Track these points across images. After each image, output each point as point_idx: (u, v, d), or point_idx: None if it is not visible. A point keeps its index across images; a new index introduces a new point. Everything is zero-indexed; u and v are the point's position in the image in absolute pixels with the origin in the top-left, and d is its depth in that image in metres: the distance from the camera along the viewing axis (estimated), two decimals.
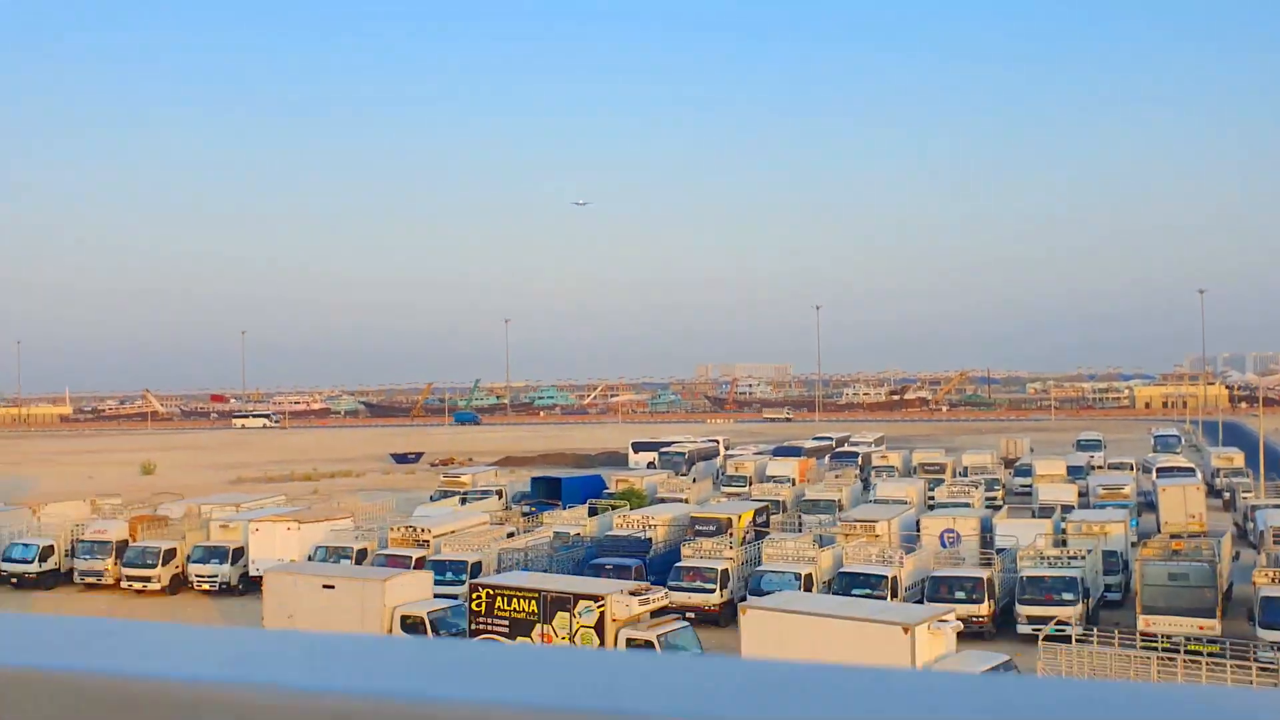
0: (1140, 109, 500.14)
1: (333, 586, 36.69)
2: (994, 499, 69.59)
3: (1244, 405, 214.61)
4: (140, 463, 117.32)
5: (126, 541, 51.95)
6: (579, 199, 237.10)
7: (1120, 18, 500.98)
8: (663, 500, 66.54)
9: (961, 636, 31.50)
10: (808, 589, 40.66)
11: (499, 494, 71.20)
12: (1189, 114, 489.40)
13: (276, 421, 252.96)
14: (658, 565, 45.21)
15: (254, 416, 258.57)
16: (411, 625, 35.07)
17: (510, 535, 50.88)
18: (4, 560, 52.01)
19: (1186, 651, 34.15)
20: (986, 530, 49.85)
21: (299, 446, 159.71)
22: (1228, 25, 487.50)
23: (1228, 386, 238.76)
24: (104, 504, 63.95)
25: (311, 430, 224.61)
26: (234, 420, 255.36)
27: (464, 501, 68.16)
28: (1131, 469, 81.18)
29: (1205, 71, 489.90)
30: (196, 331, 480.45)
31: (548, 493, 71.23)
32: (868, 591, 39.50)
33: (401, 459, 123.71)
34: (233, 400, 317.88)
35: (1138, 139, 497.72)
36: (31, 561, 51.56)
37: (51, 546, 52.25)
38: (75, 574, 51.82)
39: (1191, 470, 73.34)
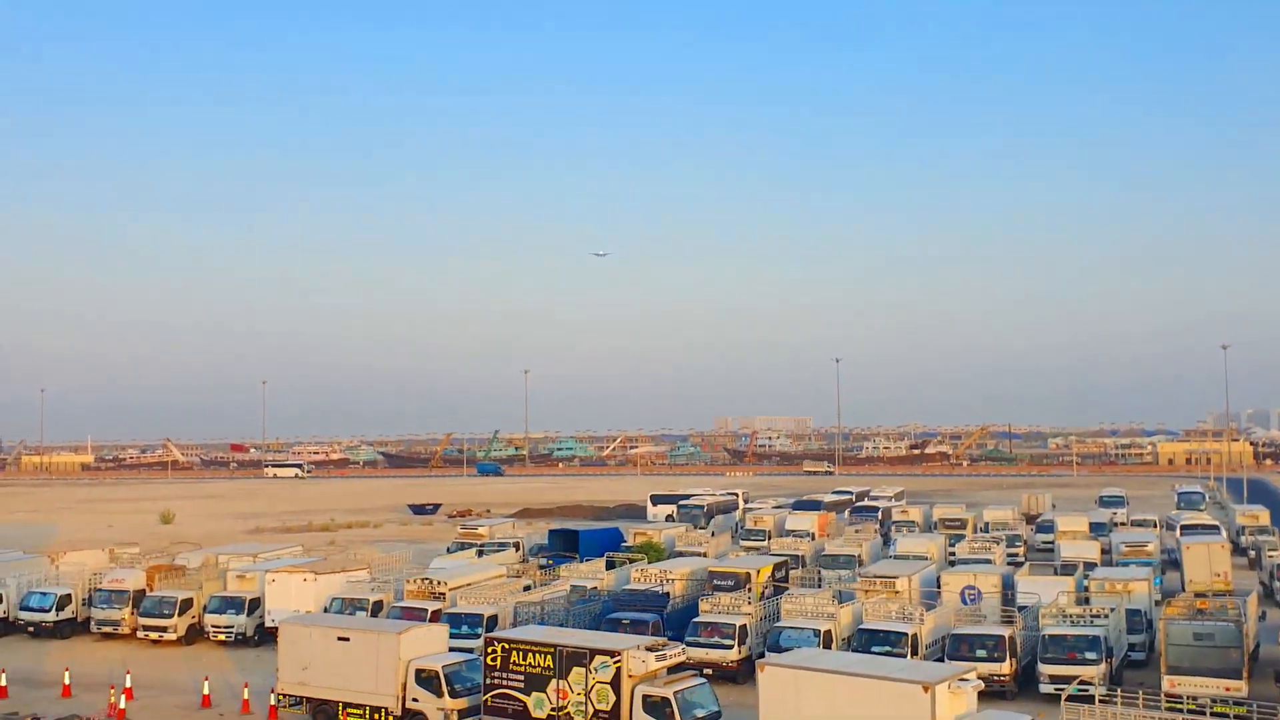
0: (1163, 166, 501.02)
1: (348, 639, 36.42)
2: (1016, 555, 68.84)
3: (1268, 462, 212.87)
4: (160, 512, 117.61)
5: (144, 591, 51.87)
6: (599, 249, 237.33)
7: (1145, 81, 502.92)
8: (681, 554, 66.11)
9: (983, 696, 30.98)
10: (827, 646, 40.18)
11: (516, 546, 70.84)
12: (1212, 172, 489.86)
13: (309, 472, 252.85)
14: (675, 620, 44.77)
15: (286, 466, 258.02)
16: (426, 679, 34.76)
17: (527, 588, 50.53)
18: (21, 609, 51.98)
19: (1212, 713, 33.52)
20: (1008, 587, 49.26)
21: (317, 496, 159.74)
22: (1253, 87, 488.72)
23: (1252, 443, 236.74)
24: (122, 553, 63.97)
25: (330, 480, 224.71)
26: (266, 470, 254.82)
27: (481, 554, 67.90)
28: (1155, 526, 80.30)
29: (1228, 132, 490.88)
30: (217, 381, 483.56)
31: (565, 545, 70.86)
32: (888, 649, 38.99)
33: (419, 510, 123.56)
34: (252, 450, 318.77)
35: (1161, 194, 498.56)
36: (49, 610, 51.50)
37: (69, 595, 52.20)
38: (92, 623, 51.67)
39: (1216, 528, 72.48)
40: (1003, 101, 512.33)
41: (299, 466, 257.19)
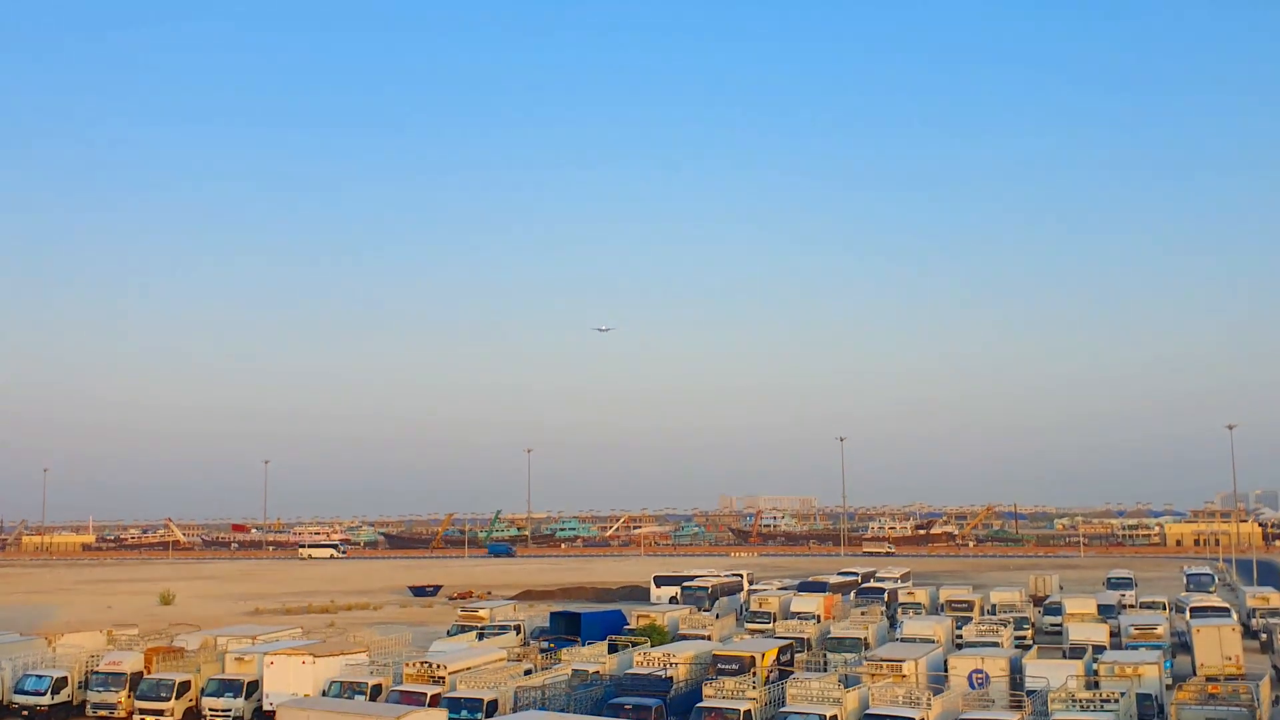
0: (1166, 241, 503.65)
1: None
2: (1023, 638, 68.19)
3: (1278, 544, 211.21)
4: (159, 592, 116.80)
5: (141, 673, 51.30)
6: (602, 325, 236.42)
7: (1144, 161, 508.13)
8: (685, 637, 65.37)
9: None
10: None
11: (517, 629, 70.17)
12: (1214, 248, 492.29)
13: (344, 552, 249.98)
14: (679, 705, 44.17)
15: (322, 546, 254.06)
16: None
17: (528, 672, 49.94)
18: (16, 692, 51.31)
19: None
20: (1016, 671, 48.67)
21: (317, 578, 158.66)
22: (1249, 162, 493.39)
23: (1260, 524, 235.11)
24: (120, 635, 63.40)
25: (331, 561, 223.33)
26: (301, 550, 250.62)
27: (481, 637, 67.16)
28: (1164, 608, 79.48)
29: (1229, 208, 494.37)
30: (219, 461, 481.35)
31: (567, 628, 70.23)
32: None
33: (419, 592, 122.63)
34: (254, 530, 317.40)
35: (1165, 272, 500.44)
36: (44, 694, 50.82)
37: (65, 678, 51.59)
38: (88, 706, 51.00)
39: (1227, 610, 71.75)
40: (1007, 179, 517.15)
41: (334, 546, 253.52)
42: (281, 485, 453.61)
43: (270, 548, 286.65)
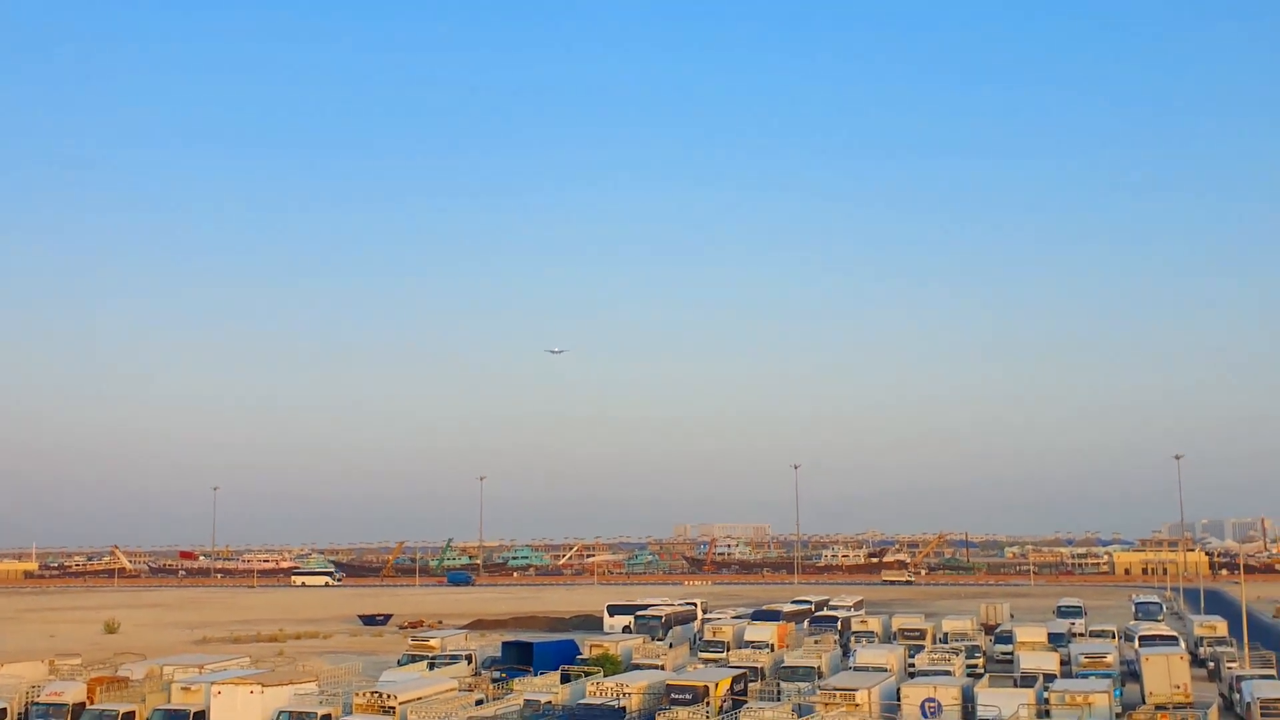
0: (1115, 277, 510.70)
1: None
2: (975, 667, 68.42)
3: (1224, 572, 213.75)
4: (104, 621, 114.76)
5: (84, 704, 50.12)
6: (555, 347, 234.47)
7: (1102, 193, 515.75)
8: (638, 666, 65.05)
9: None
10: None
11: (468, 659, 69.52)
12: (1162, 284, 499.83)
13: (339, 580, 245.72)
14: None
15: (316, 574, 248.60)
16: None
17: (479, 703, 49.46)
18: None
19: None
20: (968, 700, 48.76)
21: (266, 606, 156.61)
22: (1201, 209, 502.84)
23: (1207, 553, 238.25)
24: (62, 664, 62.08)
25: (279, 589, 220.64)
26: (293, 578, 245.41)
27: (432, 666, 66.40)
28: (1114, 637, 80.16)
29: (1176, 247, 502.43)
30: (167, 487, 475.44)
31: (519, 658, 69.70)
32: None
33: (370, 620, 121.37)
34: (202, 557, 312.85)
35: (1114, 306, 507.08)
36: None
37: (3, 710, 50.41)
38: None
39: (1175, 639, 72.44)
40: (964, 219, 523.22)
41: (330, 574, 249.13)
42: (230, 512, 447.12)
43: (219, 575, 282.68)
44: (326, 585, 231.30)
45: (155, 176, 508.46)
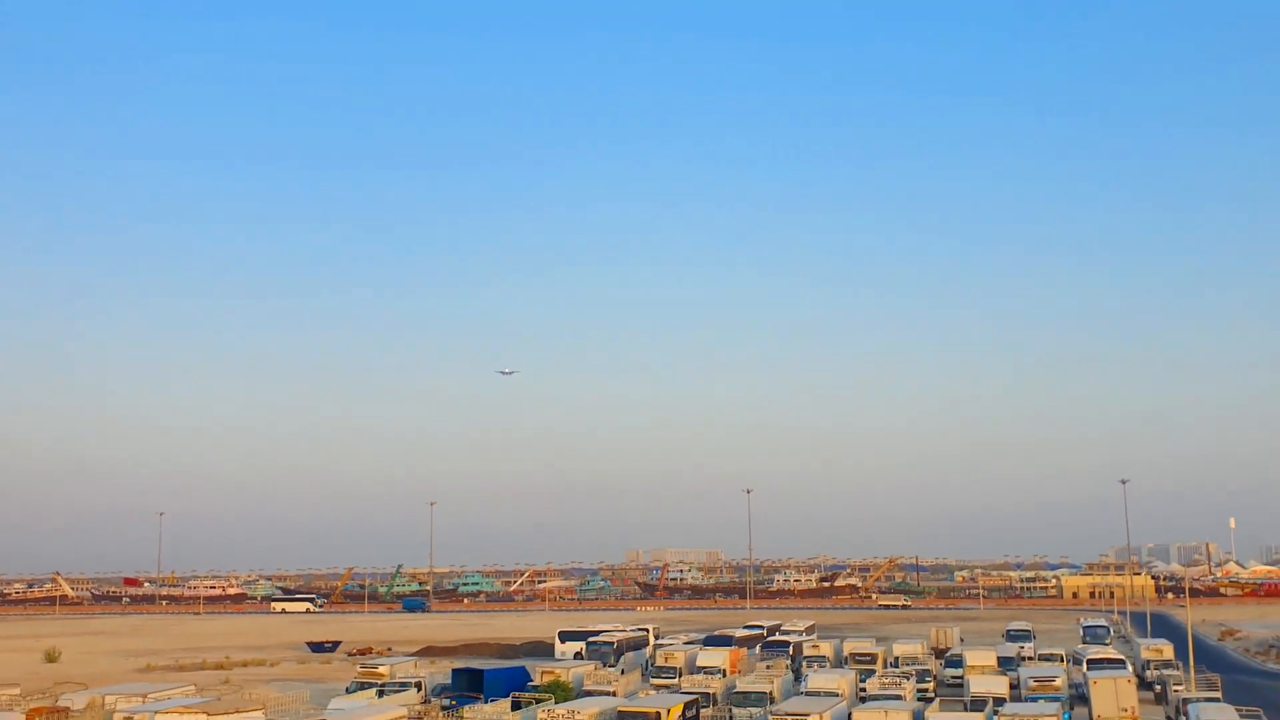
0: (1062, 302, 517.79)
1: None
2: (925, 691, 68.78)
3: (1170, 596, 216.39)
4: (45, 649, 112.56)
5: None
6: (505, 368, 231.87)
7: (1049, 231, 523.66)
8: (589, 693, 64.71)
9: None
10: None
11: (418, 686, 68.92)
12: (1108, 309, 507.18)
13: (320, 607, 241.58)
14: None
15: (296, 599, 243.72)
16: None
17: None
18: None
19: None
20: None
21: (212, 633, 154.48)
22: (1148, 237, 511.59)
23: (1154, 577, 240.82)
24: (1, 694, 60.81)
25: (226, 616, 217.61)
26: (273, 605, 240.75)
27: (381, 694, 65.78)
28: (1062, 660, 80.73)
29: (1120, 274, 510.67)
30: (111, 512, 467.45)
31: (469, 685, 69.23)
32: None
33: (318, 648, 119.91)
34: (146, 584, 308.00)
35: (1061, 330, 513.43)
36: None
37: None
38: None
39: (1122, 662, 73.12)
40: (910, 244, 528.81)
41: (310, 600, 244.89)
42: (176, 537, 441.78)
43: (164, 602, 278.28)
44: (307, 611, 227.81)
45: (95, 192, 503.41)
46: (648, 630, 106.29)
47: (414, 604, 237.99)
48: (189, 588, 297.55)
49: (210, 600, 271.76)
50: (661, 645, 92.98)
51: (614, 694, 63.79)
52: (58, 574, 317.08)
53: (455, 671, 73.86)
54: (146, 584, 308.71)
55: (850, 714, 50.78)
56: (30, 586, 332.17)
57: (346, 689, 70.24)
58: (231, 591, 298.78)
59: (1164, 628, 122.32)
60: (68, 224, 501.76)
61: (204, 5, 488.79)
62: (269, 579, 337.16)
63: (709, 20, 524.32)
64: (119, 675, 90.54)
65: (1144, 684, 72.93)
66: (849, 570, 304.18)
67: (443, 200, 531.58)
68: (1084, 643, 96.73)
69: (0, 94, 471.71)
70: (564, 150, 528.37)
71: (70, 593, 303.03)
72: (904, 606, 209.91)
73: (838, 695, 58.27)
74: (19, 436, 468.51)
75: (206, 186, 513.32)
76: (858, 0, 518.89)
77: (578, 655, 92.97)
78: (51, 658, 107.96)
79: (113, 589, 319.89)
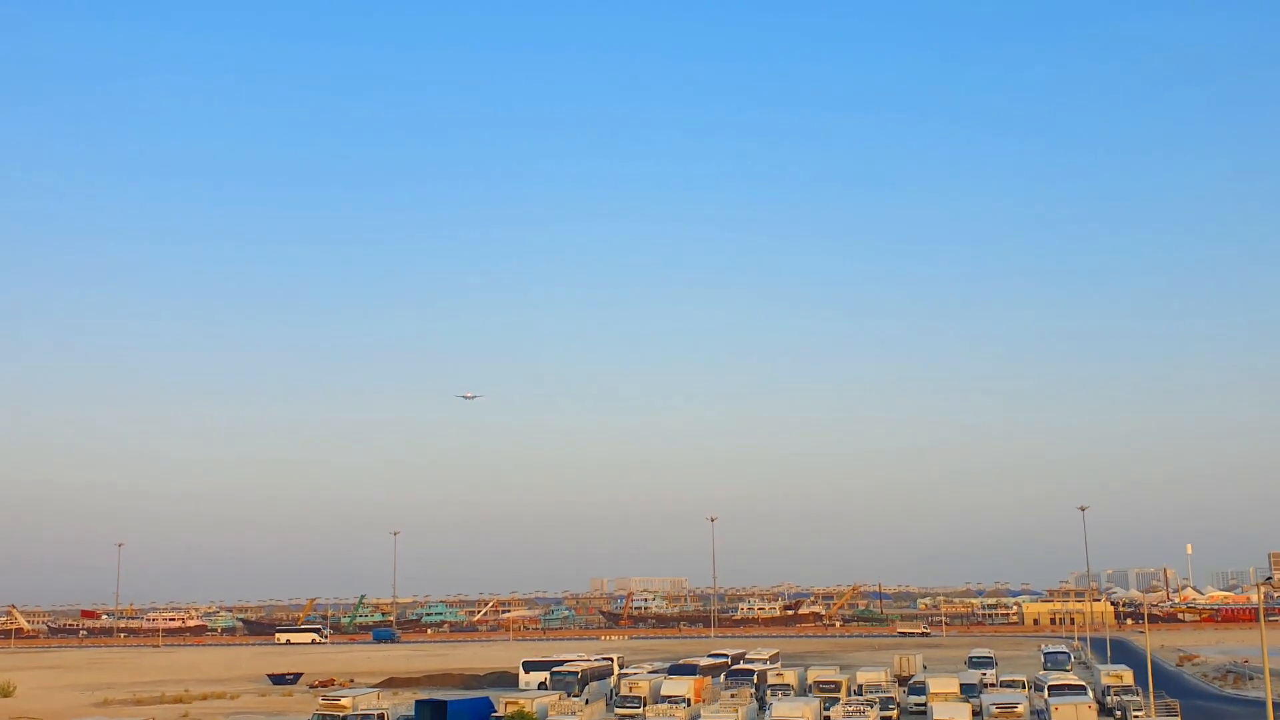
0: (1015, 326, 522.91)
1: None
2: (889, 718, 69.07)
3: (1130, 622, 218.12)
4: None
5: None
6: (468, 392, 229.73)
7: (1008, 259, 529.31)
8: None
9: None
10: None
11: (381, 718, 68.44)
12: (1065, 334, 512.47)
13: (325, 638, 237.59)
14: None
15: (301, 630, 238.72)
16: None
17: None
18: None
19: None
20: None
21: (170, 666, 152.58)
22: (1105, 259, 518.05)
23: (1113, 603, 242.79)
24: None
25: (185, 649, 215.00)
26: (278, 635, 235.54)
27: None
28: (1024, 687, 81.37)
29: (1081, 296, 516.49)
30: (67, 543, 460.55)
31: (433, 717, 69.09)
32: None
33: (279, 680, 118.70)
34: (104, 616, 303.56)
35: (1020, 359, 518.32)
36: None
37: None
38: None
39: (1083, 688, 73.82)
40: (869, 267, 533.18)
41: (316, 630, 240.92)
42: (135, 569, 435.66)
43: (122, 634, 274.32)
44: (313, 642, 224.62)
45: (56, 210, 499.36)
46: (612, 660, 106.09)
47: (384, 634, 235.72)
48: (148, 620, 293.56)
49: (170, 633, 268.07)
50: (626, 675, 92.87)
51: None
52: (13, 606, 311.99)
53: (419, 703, 73.50)
54: (105, 616, 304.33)
55: None
56: None
57: None
58: (191, 623, 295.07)
59: (1123, 653, 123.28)
60: (29, 243, 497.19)
61: (175, 22, 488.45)
62: (229, 610, 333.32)
63: (687, 40, 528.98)
64: (76, 710, 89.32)
65: (1104, 710, 73.56)
66: (813, 598, 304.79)
67: (407, 224, 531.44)
68: (1045, 669, 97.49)
69: None
70: (527, 174, 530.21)
71: (26, 626, 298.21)
72: (923, 634, 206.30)
73: None
74: None
75: (166, 207, 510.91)
76: (848, 19, 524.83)
77: (542, 685, 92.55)
78: (6, 692, 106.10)
79: (70, 621, 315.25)
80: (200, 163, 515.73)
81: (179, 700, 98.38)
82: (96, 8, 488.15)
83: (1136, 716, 65.24)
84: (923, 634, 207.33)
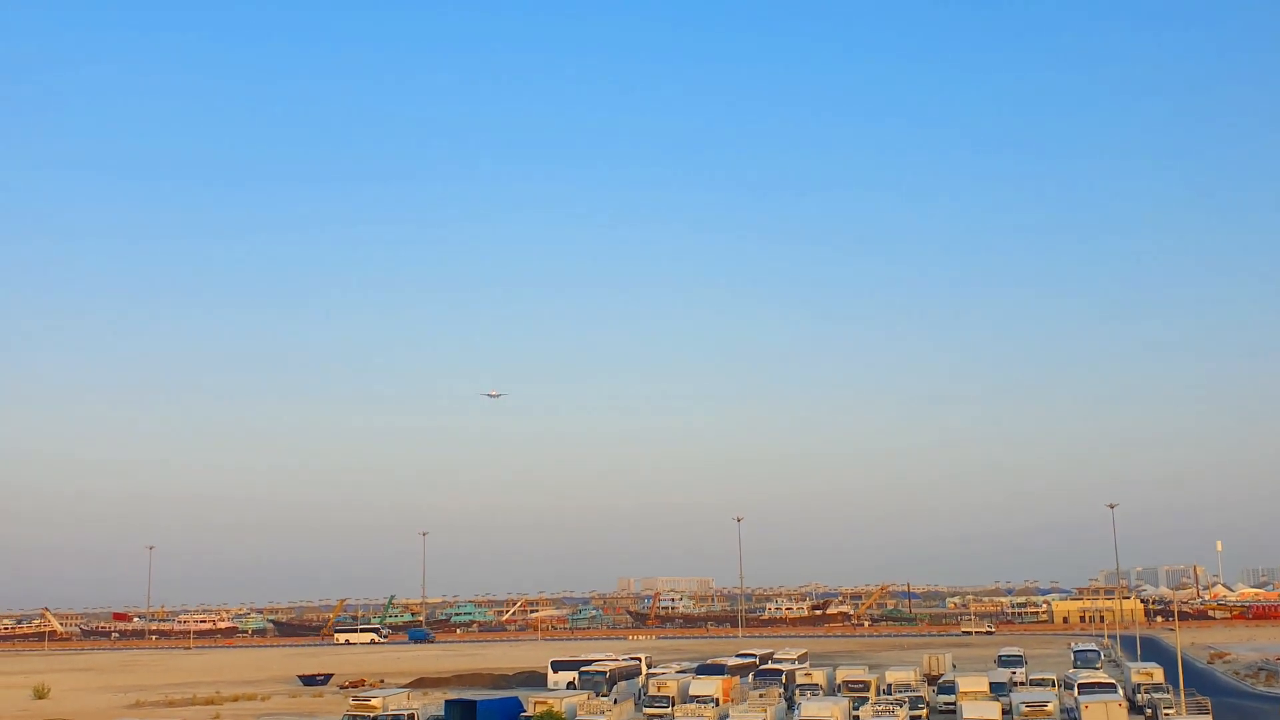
0: (1046, 322, 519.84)
1: None
2: (919, 717, 68.98)
3: (1160, 619, 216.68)
4: (33, 686, 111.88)
5: None
6: (491, 390, 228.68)
7: (1044, 239, 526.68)
8: None
9: None
10: None
11: (411, 718, 68.83)
12: (1094, 330, 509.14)
13: (384, 637, 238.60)
14: None
15: (361, 630, 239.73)
16: None
17: None
18: None
19: None
20: None
21: (202, 667, 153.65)
22: (1134, 256, 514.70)
23: (1143, 601, 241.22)
24: None
25: (216, 650, 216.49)
26: (336, 636, 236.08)
27: None
28: (1054, 685, 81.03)
29: (1110, 292, 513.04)
30: (100, 547, 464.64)
31: (463, 717, 69.28)
32: None
33: (310, 681, 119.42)
34: (136, 619, 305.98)
35: (1050, 355, 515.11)
36: None
37: None
38: None
39: (1113, 686, 73.46)
40: (890, 263, 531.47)
41: (375, 630, 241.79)
42: (166, 571, 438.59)
43: (154, 636, 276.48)
44: (372, 642, 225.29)
45: (60, 213, 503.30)
46: (640, 660, 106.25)
47: (419, 634, 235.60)
48: (179, 622, 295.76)
49: (201, 634, 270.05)
50: (654, 674, 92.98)
51: None
52: (46, 609, 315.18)
53: (448, 703, 73.81)
54: (136, 619, 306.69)
55: None
56: (19, 622, 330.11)
57: None
58: (222, 625, 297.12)
59: (1154, 651, 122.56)
60: (44, 240, 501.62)
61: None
62: (260, 612, 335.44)
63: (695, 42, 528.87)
64: (110, 711, 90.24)
65: (1135, 708, 73.18)
66: (841, 598, 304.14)
67: (431, 221, 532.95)
68: (1075, 667, 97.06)
69: None
70: (554, 169, 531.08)
71: (59, 628, 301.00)
72: (988, 633, 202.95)
73: None
74: (5, 472, 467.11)
75: (189, 203, 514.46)
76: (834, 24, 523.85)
77: (570, 685, 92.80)
78: (41, 694, 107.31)
79: (102, 624, 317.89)
80: (206, 162, 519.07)
81: (210, 702, 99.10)
82: None
83: (1168, 714, 64.90)
84: (988, 632, 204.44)
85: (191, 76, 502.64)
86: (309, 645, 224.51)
